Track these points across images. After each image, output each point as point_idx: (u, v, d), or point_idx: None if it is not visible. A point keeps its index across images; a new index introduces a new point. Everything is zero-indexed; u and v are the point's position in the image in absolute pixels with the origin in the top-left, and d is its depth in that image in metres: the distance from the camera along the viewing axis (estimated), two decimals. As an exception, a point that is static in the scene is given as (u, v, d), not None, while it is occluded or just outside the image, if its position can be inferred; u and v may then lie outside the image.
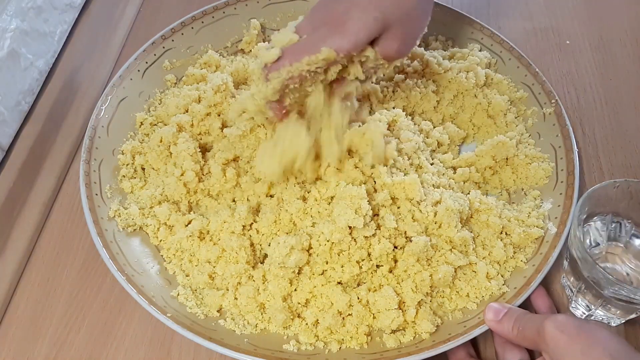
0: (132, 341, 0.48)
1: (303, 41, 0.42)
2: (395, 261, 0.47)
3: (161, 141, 0.54)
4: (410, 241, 0.47)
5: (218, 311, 0.47)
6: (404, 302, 0.46)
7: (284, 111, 0.46)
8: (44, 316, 0.50)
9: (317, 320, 0.46)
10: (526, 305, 0.47)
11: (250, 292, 0.46)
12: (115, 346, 0.48)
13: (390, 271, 0.47)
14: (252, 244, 0.49)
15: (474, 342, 0.48)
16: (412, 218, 0.48)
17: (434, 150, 0.56)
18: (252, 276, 0.47)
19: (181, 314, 0.46)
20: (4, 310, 0.50)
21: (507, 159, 0.55)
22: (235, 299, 0.47)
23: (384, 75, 0.51)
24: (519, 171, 0.55)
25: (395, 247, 0.47)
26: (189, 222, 0.51)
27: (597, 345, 0.36)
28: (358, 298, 0.46)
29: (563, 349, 0.36)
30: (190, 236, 0.50)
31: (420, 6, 0.44)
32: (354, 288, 0.47)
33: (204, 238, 0.50)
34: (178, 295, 0.47)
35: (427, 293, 0.47)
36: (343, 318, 0.46)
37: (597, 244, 0.49)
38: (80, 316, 0.50)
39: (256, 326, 0.46)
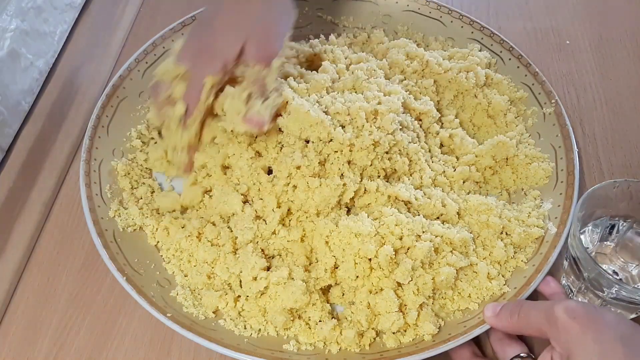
0: (132, 341, 0.48)
1: (191, 82, 0.49)
2: (397, 264, 0.47)
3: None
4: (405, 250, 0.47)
5: (214, 312, 0.47)
6: (405, 305, 0.46)
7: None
8: (44, 316, 0.50)
9: (319, 320, 0.46)
10: (526, 305, 0.47)
11: (254, 297, 0.47)
12: (115, 346, 0.48)
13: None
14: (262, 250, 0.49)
15: (477, 342, 0.48)
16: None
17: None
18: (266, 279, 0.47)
19: (181, 313, 0.46)
20: (4, 310, 0.50)
21: (507, 159, 0.55)
22: (239, 301, 0.47)
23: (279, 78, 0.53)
24: (519, 171, 0.55)
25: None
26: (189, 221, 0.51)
27: (608, 330, 0.36)
28: (358, 302, 0.46)
29: (575, 337, 0.36)
30: (189, 236, 0.50)
31: (272, 13, 0.51)
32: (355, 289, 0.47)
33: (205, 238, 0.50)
34: (177, 295, 0.47)
35: (429, 296, 0.47)
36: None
37: (587, 248, 0.49)
38: (80, 316, 0.50)
39: (259, 331, 0.46)
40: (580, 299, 0.48)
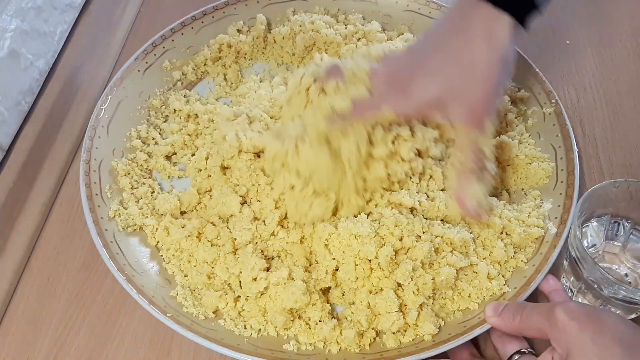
0: (132, 341, 0.48)
1: (371, 99, 0.45)
2: (397, 264, 0.47)
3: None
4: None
5: (214, 312, 0.47)
6: (405, 305, 0.46)
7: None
8: (44, 316, 0.50)
9: (319, 320, 0.46)
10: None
11: (254, 297, 0.47)
12: (115, 346, 0.48)
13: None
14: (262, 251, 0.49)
15: (475, 343, 0.48)
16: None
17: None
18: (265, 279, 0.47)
19: (181, 313, 0.46)
20: (4, 310, 0.50)
21: (507, 158, 0.55)
22: (239, 301, 0.47)
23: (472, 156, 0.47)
24: (519, 171, 0.55)
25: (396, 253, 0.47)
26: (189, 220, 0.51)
27: (607, 331, 0.36)
28: (358, 302, 0.46)
29: (574, 337, 0.36)
30: (188, 236, 0.50)
31: (493, 76, 0.43)
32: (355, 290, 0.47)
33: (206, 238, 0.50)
34: (177, 295, 0.47)
35: (429, 296, 0.47)
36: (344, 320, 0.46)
37: (594, 245, 0.49)
38: (80, 316, 0.50)
39: (259, 331, 0.46)
40: (580, 299, 0.48)
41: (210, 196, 0.53)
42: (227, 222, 0.51)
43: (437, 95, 0.43)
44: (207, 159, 0.54)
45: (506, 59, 0.44)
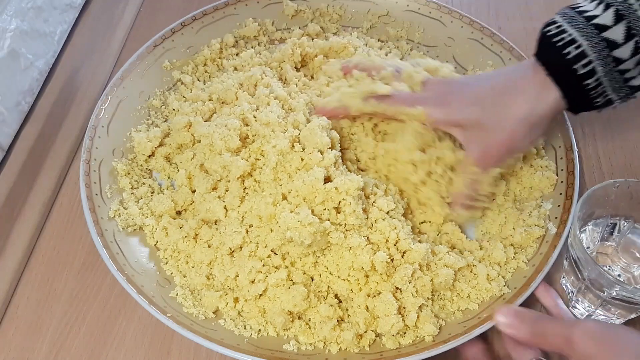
0: (132, 341, 0.48)
1: (410, 95, 0.50)
2: (395, 268, 0.47)
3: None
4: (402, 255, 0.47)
5: (214, 312, 0.47)
6: (404, 307, 0.46)
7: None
8: (44, 316, 0.50)
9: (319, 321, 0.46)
10: (526, 304, 0.47)
11: (254, 298, 0.47)
12: (115, 346, 0.48)
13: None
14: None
15: (485, 338, 0.47)
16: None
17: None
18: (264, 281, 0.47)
19: (181, 313, 0.46)
20: (4, 310, 0.50)
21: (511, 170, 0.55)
22: (239, 302, 0.47)
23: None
24: (523, 181, 0.54)
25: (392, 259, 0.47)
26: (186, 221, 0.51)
27: (627, 351, 0.36)
28: (356, 305, 0.46)
29: (594, 359, 0.36)
30: (185, 237, 0.50)
31: (523, 129, 0.47)
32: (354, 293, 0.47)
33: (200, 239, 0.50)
34: (177, 295, 0.47)
35: (428, 297, 0.47)
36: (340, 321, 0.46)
37: (588, 247, 0.49)
38: (80, 316, 0.50)
39: (259, 331, 0.46)
40: (580, 299, 0.48)
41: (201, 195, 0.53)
42: (216, 223, 0.51)
43: (468, 120, 0.48)
44: (192, 159, 0.54)
45: (535, 127, 0.47)
